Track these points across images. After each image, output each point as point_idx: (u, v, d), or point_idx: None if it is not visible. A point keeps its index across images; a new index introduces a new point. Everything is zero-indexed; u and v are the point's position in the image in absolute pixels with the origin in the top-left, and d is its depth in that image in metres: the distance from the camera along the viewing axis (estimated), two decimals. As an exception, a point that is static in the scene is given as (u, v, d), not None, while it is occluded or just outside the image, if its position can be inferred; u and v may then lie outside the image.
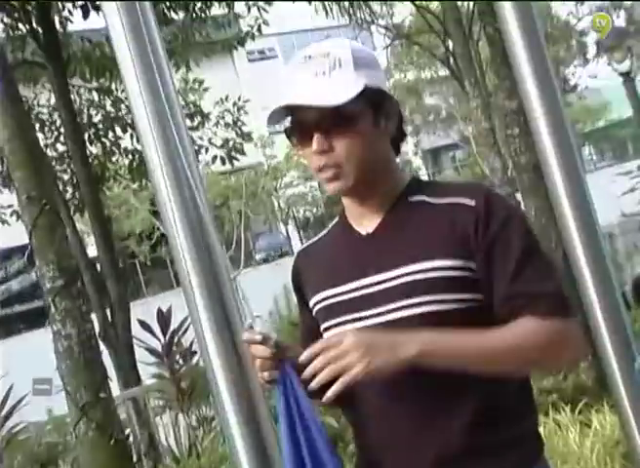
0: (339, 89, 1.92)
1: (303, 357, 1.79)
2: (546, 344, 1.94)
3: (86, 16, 9.52)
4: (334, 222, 2.24)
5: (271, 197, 29.60)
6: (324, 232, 2.27)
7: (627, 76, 14.20)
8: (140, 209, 24.68)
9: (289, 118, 2.05)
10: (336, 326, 2.05)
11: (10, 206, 12.42)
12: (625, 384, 3.58)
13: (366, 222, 2.07)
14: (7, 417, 7.59)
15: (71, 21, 10.62)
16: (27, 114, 4.46)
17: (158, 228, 25.82)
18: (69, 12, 10.36)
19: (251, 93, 17.14)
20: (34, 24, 9.68)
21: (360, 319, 1.98)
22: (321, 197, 31.38)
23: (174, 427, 7.76)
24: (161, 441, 7.66)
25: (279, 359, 1.97)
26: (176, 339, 8.29)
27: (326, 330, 2.09)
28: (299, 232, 30.25)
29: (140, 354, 8.79)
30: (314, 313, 2.17)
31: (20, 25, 9.82)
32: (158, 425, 7.84)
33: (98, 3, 9.86)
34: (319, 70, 1.96)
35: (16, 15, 9.59)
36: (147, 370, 8.78)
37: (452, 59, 13.55)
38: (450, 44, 13.67)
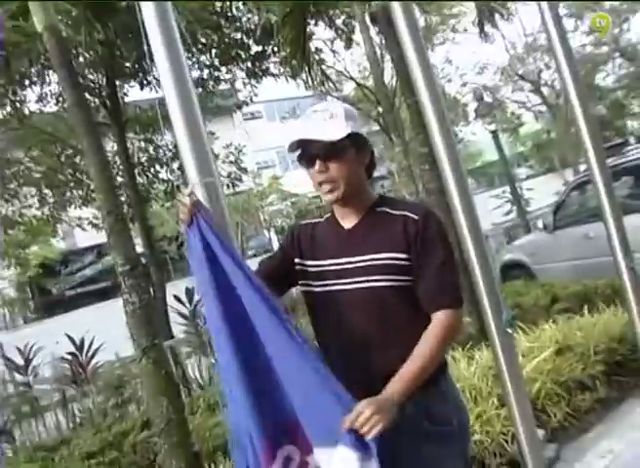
0: (334, 131, 2.05)
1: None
2: (451, 334, 2.03)
3: (142, 87, 9.72)
4: (327, 216, 2.28)
5: (258, 212, 29.58)
6: (320, 220, 2.30)
7: (494, 133, 14.62)
8: (170, 220, 24.51)
9: (298, 151, 2.13)
10: (317, 286, 2.16)
11: (86, 218, 12.55)
12: (497, 330, 3.75)
13: (348, 221, 2.17)
14: (92, 357, 7.61)
15: (127, 95, 10.72)
16: (105, 156, 4.46)
17: (182, 233, 25.66)
18: (125, 88, 10.51)
19: (246, 142, 17.11)
20: (104, 98, 9.82)
21: (334, 284, 2.10)
22: (292, 212, 31.33)
23: (198, 366, 7.77)
24: (190, 375, 7.65)
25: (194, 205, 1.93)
26: (199, 307, 8.29)
27: (304, 286, 2.20)
28: (277, 235, 30.12)
29: (174, 317, 8.81)
30: (297, 269, 2.21)
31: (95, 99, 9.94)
32: (187, 365, 7.82)
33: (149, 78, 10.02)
34: (322, 119, 2.08)
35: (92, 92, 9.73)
36: (179, 328, 8.77)
37: (381, 119, 13.67)
38: (380, 109, 13.78)
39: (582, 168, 20.29)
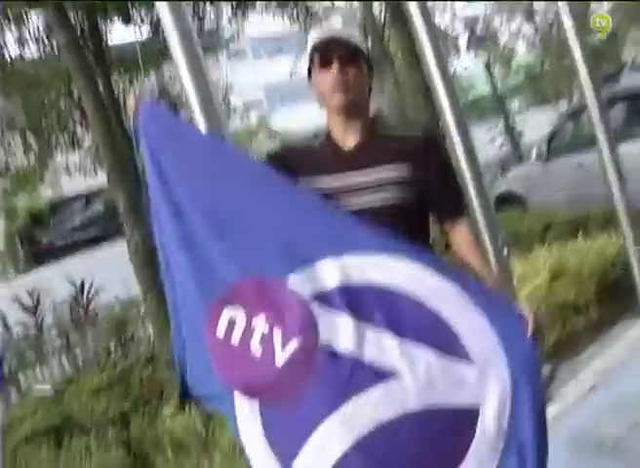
0: (356, 37, 2.14)
1: None
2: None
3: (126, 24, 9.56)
4: (319, 141, 2.23)
5: (248, 151, 29.40)
6: (310, 145, 2.25)
7: (486, 66, 14.55)
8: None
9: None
10: None
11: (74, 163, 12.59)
12: (494, 253, 3.92)
13: (347, 141, 2.16)
14: (92, 299, 7.78)
15: (110, 37, 10.59)
16: (100, 97, 4.51)
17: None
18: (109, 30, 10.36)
19: (232, 80, 17.01)
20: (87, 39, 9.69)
21: (340, 205, 2.07)
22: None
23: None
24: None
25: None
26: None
27: None
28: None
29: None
30: None
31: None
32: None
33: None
34: (339, 24, 2.20)
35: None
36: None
37: (370, 52, 13.51)
38: (369, 43, 13.62)
39: (577, 99, 20.29)
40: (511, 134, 14.75)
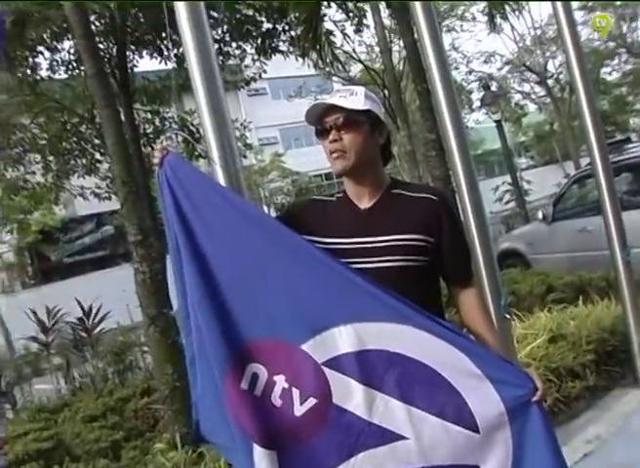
0: (351, 103, 2.11)
1: None
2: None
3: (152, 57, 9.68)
4: (338, 196, 2.25)
5: (259, 188, 29.54)
6: (330, 199, 2.26)
7: (498, 122, 14.62)
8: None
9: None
10: None
11: (89, 188, 12.58)
12: (495, 315, 3.87)
13: (363, 201, 2.17)
14: (99, 323, 7.73)
15: (136, 66, 10.69)
16: (122, 128, 4.51)
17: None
18: (136, 59, 10.48)
19: (249, 117, 17.13)
20: (113, 68, 9.81)
21: (351, 263, 2.04)
22: (292, 190, 31.35)
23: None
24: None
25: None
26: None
27: None
28: (276, 212, 30.19)
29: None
30: None
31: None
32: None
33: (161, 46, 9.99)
34: (343, 95, 2.14)
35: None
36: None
37: (387, 103, 13.66)
38: (386, 92, 13.75)
39: (583, 161, 20.43)
40: (518, 191, 14.77)
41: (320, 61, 10.20)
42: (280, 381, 1.88)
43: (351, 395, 1.85)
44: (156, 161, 2.05)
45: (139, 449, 4.74)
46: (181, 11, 2.32)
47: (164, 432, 4.71)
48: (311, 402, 1.86)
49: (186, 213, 1.96)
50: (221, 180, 2.27)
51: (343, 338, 1.87)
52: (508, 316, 4.00)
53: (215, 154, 2.30)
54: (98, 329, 7.68)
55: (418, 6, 3.79)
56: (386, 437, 1.83)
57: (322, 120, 2.14)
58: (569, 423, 4.48)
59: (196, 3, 2.35)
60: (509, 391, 1.83)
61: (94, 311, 7.76)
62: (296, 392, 1.87)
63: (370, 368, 1.85)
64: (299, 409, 1.86)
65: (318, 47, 8.77)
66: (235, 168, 2.32)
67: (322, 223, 2.16)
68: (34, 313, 7.80)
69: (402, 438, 1.83)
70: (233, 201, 2.02)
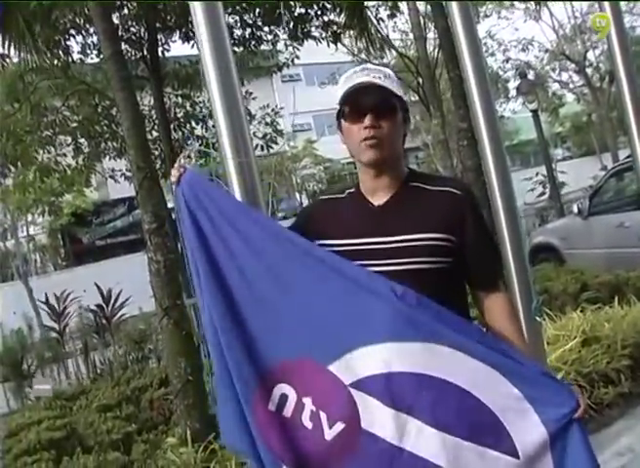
0: (391, 86, 1.89)
1: None
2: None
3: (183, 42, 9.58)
4: (350, 191, 2.05)
5: (291, 175, 29.43)
6: (340, 195, 2.06)
7: (534, 112, 14.22)
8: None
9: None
10: None
11: (120, 170, 12.54)
12: (525, 317, 3.61)
13: (377, 197, 1.95)
14: (118, 310, 7.65)
15: (168, 50, 10.60)
16: (139, 112, 4.34)
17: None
18: (167, 43, 10.39)
19: (282, 103, 16.98)
20: (145, 52, 9.74)
21: (368, 265, 1.84)
22: (325, 177, 31.20)
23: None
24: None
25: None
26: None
27: None
28: (308, 199, 29.99)
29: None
30: None
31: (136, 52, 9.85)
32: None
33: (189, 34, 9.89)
34: (377, 75, 1.91)
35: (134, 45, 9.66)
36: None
37: (420, 90, 13.38)
38: (420, 80, 13.49)
39: (622, 153, 19.88)
40: (553, 183, 14.36)
41: (359, 47, 9.98)
42: (308, 403, 1.79)
43: (381, 420, 1.73)
44: (174, 180, 1.94)
45: (150, 443, 4.61)
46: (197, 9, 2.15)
47: (177, 426, 4.57)
48: (339, 426, 1.76)
49: (206, 232, 1.90)
50: (233, 174, 2.11)
51: (371, 359, 1.74)
52: (539, 319, 3.77)
53: (227, 149, 2.12)
54: (118, 315, 7.56)
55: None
56: (419, 465, 1.70)
57: (357, 100, 1.89)
58: (600, 432, 4.22)
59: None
60: (551, 412, 1.69)
61: (113, 297, 7.64)
62: (323, 415, 1.78)
63: (400, 391, 1.73)
64: (328, 434, 1.76)
65: (366, 32, 8.61)
66: (248, 161, 2.13)
67: (332, 224, 1.98)
68: (46, 300, 7.71)
69: (436, 466, 1.69)
70: (253, 218, 1.92)
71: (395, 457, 1.70)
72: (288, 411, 1.79)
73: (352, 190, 2.04)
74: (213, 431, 4.22)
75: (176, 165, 1.96)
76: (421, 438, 1.70)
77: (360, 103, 1.88)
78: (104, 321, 7.44)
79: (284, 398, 1.80)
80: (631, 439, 4.08)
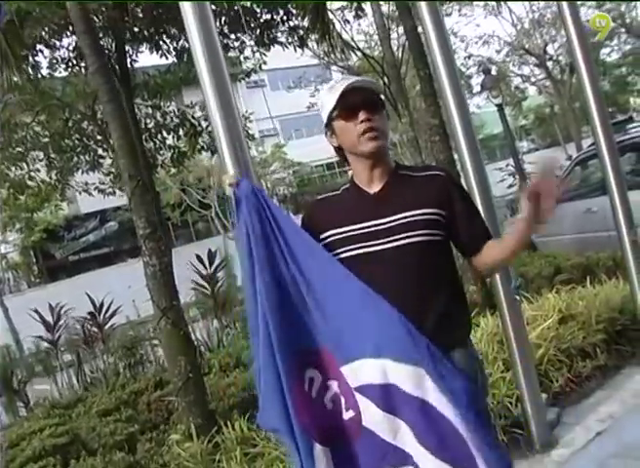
0: (373, 87, 2.19)
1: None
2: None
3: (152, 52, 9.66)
4: (344, 187, 2.28)
5: (260, 179, 29.49)
6: (335, 192, 2.30)
7: (499, 106, 14.56)
8: (174, 187, 24.57)
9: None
10: (352, 250, 2.13)
11: (93, 183, 12.57)
12: (505, 297, 3.88)
13: (373, 186, 2.19)
14: (110, 318, 7.75)
15: (136, 61, 10.68)
16: (127, 122, 4.51)
17: (185, 200, 25.80)
18: (136, 54, 10.47)
19: (249, 109, 17.10)
20: (113, 63, 9.81)
21: (371, 246, 2.11)
22: (294, 180, 31.38)
23: (207, 329, 7.89)
24: (198, 337, 7.77)
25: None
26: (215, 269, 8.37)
27: (343, 253, 2.15)
28: (280, 204, 30.15)
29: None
30: (328, 242, 2.18)
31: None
32: (196, 328, 7.93)
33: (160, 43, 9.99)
34: (359, 80, 2.20)
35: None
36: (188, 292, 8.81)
37: (387, 90, 13.62)
38: (386, 79, 13.72)
39: (585, 143, 20.36)
40: (521, 174, 14.73)
41: (324, 50, 10.17)
42: (333, 386, 2.10)
43: (378, 422, 2.04)
44: (225, 185, 2.17)
45: (154, 441, 4.77)
46: (187, 8, 2.34)
47: (178, 423, 4.74)
48: (351, 413, 2.08)
49: (255, 229, 2.10)
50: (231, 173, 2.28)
51: (371, 370, 2.03)
52: (518, 298, 4.02)
53: (224, 148, 2.32)
54: (109, 324, 7.69)
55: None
56: (409, 461, 2.04)
57: (348, 100, 2.14)
58: (581, 402, 4.49)
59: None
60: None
61: (104, 307, 7.78)
62: (342, 400, 2.10)
63: (393, 401, 2.03)
64: (345, 414, 2.09)
65: (327, 36, 8.81)
66: (244, 159, 2.33)
67: (333, 217, 2.21)
68: (36, 312, 7.81)
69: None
70: (294, 228, 2.15)
71: (389, 451, 2.04)
72: (314, 392, 2.10)
73: (347, 185, 2.28)
74: (215, 425, 4.43)
75: (227, 181, 2.17)
76: (410, 442, 2.02)
77: (352, 102, 2.13)
78: (96, 329, 7.56)
79: (312, 380, 2.09)
80: (610, 407, 4.33)
